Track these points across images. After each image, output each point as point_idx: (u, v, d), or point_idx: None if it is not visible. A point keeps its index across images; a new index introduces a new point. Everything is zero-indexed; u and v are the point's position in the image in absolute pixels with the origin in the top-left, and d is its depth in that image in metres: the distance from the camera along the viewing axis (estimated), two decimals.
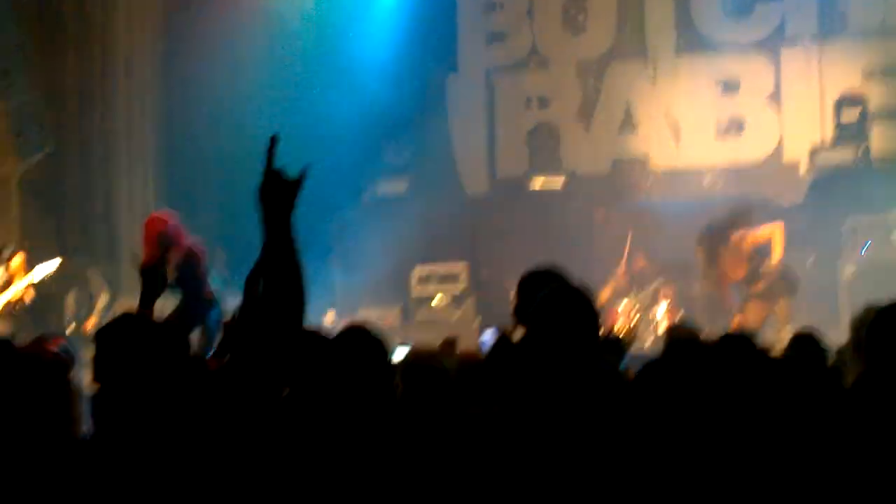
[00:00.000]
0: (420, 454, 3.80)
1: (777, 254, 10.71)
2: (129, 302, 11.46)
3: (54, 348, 4.29)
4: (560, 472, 3.28)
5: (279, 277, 3.13)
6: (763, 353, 2.21)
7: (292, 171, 3.16)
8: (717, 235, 10.84)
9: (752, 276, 10.73)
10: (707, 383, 2.08)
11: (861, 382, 4.26)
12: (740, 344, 2.45)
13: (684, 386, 2.10)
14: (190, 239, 8.96)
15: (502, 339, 4.66)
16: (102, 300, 11.93)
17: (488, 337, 6.91)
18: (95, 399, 4.23)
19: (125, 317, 4.22)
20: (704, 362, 2.13)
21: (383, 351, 4.43)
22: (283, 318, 3.13)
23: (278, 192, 3.20)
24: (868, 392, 2.95)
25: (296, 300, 3.13)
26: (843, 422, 2.30)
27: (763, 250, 10.79)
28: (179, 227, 8.91)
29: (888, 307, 2.39)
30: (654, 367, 2.45)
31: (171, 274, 8.69)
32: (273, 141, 3.21)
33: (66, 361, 4.21)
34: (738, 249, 10.77)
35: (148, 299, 5.64)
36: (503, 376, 4.20)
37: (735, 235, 10.78)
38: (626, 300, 12.09)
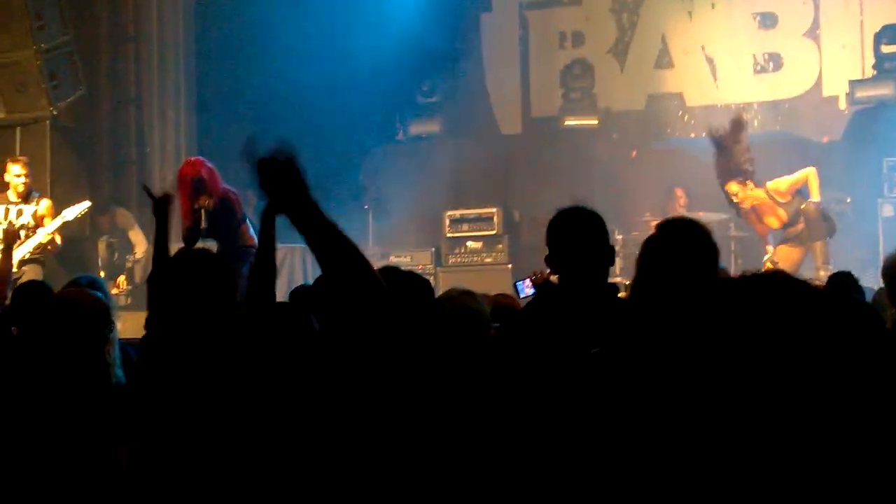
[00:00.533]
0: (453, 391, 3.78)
1: (815, 195, 10.60)
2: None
3: (93, 294, 4.28)
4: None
5: (337, 257, 2.91)
6: (805, 283, 2.11)
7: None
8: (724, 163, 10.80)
9: (793, 220, 10.65)
10: (747, 317, 2.02)
11: None
12: (782, 279, 2.34)
13: (726, 321, 2.04)
14: (224, 185, 8.91)
15: (546, 285, 4.51)
16: (140, 249, 11.93)
17: (523, 283, 6.92)
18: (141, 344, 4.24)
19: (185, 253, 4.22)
20: (744, 296, 2.07)
21: (427, 290, 4.43)
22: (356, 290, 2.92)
23: (281, 180, 2.85)
24: None
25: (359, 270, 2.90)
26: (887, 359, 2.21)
27: (802, 192, 10.69)
28: (214, 173, 8.87)
29: None
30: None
31: (204, 221, 8.67)
32: (250, 142, 2.88)
33: (105, 307, 4.22)
34: (774, 198, 10.68)
35: (162, 233, 5.84)
36: (547, 323, 4.10)
37: (770, 185, 10.69)
38: None
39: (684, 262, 3.44)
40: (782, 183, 10.70)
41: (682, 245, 3.49)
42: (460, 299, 4.53)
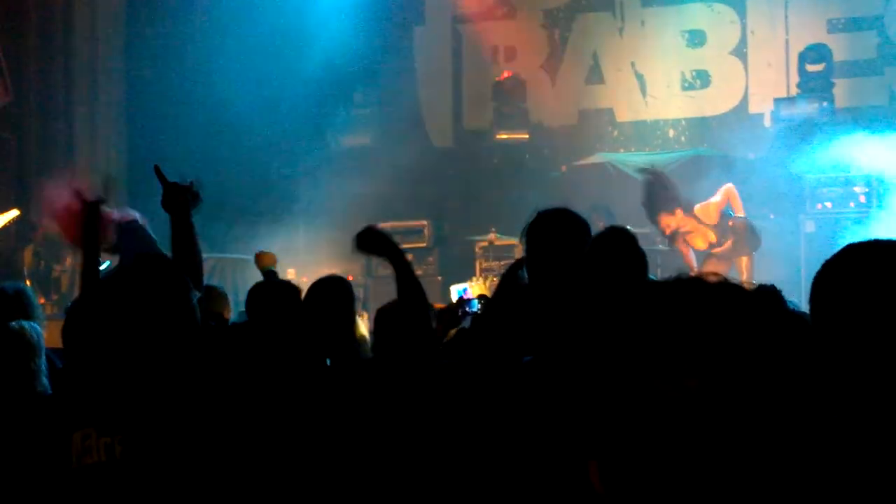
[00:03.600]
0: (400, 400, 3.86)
1: (739, 210, 10.71)
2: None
3: None
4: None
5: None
6: (731, 286, 2.16)
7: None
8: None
9: (720, 240, 10.72)
10: (669, 318, 2.07)
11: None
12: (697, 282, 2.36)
13: (648, 322, 2.09)
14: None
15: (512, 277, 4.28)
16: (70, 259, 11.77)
17: (462, 289, 7.01)
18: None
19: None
20: (664, 299, 2.11)
21: (349, 298, 4.61)
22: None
23: (179, 199, 4.39)
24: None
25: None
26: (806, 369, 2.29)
27: (726, 212, 10.79)
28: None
29: (834, 258, 2.28)
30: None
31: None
32: (157, 169, 4.48)
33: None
34: (703, 221, 10.73)
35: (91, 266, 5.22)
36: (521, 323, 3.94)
37: (697, 210, 10.70)
38: None
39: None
40: (710, 206, 10.77)
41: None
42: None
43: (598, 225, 11.99)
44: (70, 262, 11.70)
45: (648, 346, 2.02)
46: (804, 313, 4.84)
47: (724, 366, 2.00)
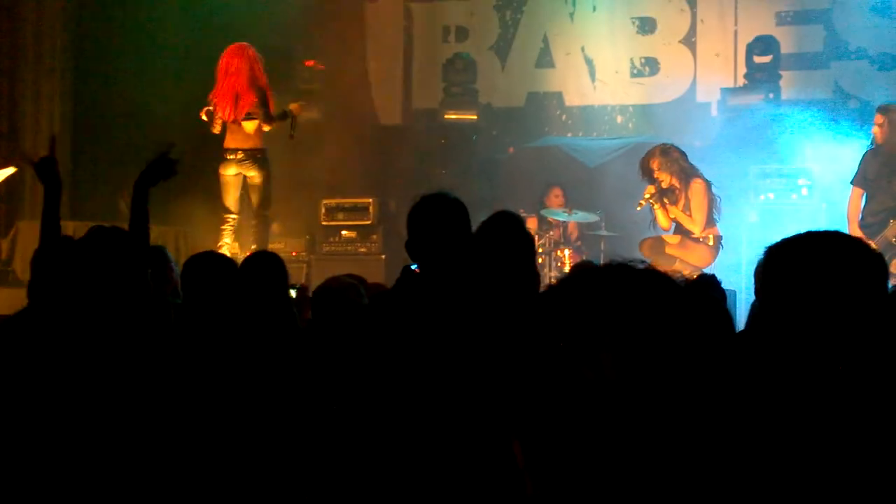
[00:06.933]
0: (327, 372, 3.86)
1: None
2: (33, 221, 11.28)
3: None
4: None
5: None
6: (666, 277, 2.20)
7: None
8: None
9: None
10: (607, 303, 2.08)
11: (754, 321, 4.33)
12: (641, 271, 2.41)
13: (583, 306, 2.10)
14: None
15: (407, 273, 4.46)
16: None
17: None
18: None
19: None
20: (604, 284, 2.13)
21: (283, 275, 4.63)
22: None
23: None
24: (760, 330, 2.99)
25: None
26: (733, 359, 2.32)
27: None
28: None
29: (776, 246, 2.41)
30: (555, 290, 2.47)
31: None
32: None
33: None
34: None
35: (52, 199, 4.94)
36: (409, 306, 4.08)
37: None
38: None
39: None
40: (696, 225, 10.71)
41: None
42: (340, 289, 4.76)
43: (555, 199, 12.02)
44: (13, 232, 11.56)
45: (567, 329, 2.04)
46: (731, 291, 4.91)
47: (635, 350, 2.02)
